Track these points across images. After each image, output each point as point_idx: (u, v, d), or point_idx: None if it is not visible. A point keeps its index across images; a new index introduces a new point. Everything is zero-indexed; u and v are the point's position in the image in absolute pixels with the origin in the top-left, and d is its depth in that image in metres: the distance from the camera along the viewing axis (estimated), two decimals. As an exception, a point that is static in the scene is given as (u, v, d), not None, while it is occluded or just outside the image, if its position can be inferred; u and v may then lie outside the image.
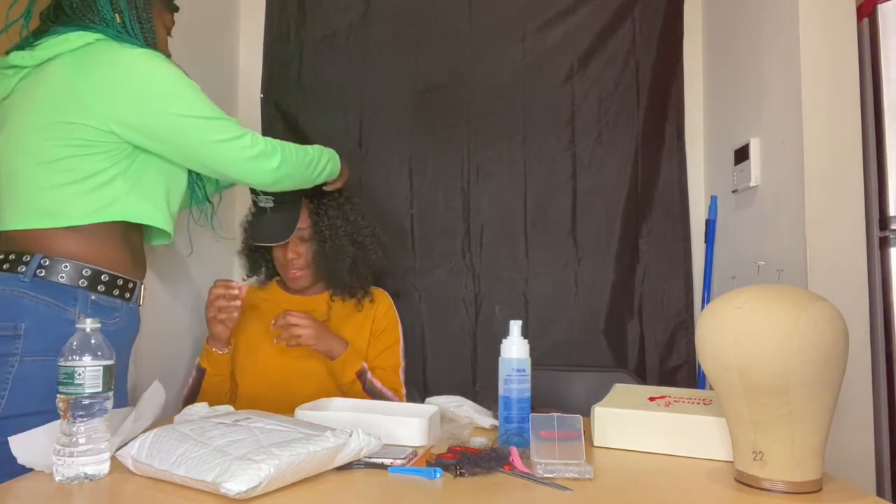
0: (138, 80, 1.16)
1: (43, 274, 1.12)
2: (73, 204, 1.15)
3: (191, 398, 1.60)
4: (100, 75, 1.15)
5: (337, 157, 1.56)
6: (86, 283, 1.15)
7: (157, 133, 1.19)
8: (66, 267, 1.14)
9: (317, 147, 1.48)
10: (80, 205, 1.16)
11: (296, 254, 1.67)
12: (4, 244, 1.18)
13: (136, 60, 1.17)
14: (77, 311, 1.13)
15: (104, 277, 1.18)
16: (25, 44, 1.21)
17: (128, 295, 1.23)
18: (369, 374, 1.62)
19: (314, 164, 1.44)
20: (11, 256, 1.14)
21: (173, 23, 1.39)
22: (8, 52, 1.22)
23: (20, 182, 1.16)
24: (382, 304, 1.77)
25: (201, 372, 1.59)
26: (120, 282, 1.21)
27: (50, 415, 0.97)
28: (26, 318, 1.10)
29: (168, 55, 1.35)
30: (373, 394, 1.61)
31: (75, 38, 1.17)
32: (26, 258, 1.13)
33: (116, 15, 1.21)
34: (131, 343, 1.30)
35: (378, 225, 1.79)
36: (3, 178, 1.19)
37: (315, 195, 1.66)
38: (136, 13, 1.24)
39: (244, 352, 1.66)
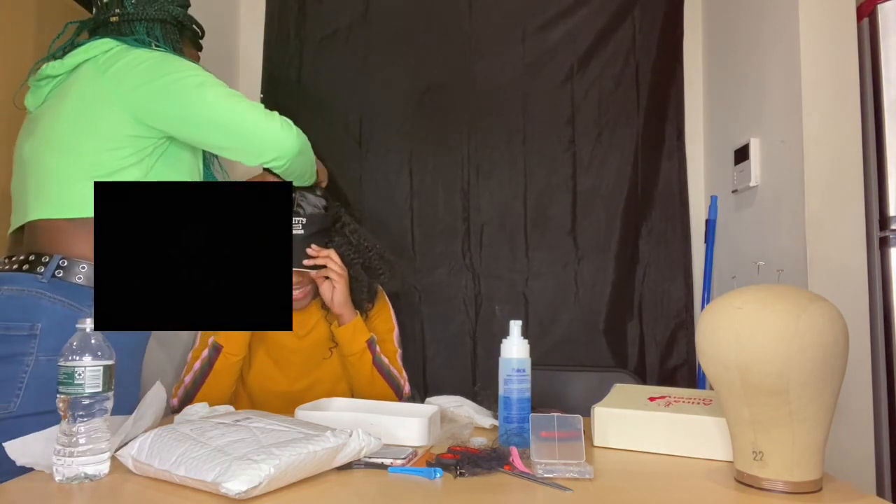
0: (155, 67, 1.20)
1: (61, 275, 1.14)
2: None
3: (196, 385, 1.47)
4: (121, 70, 1.19)
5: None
6: None
7: (170, 108, 1.19)
8: (83, 268, 1.16)
9: None
10: None
11: (298, 280, 1.55)
12: (28, 244, 1.20)
13: (153, 55, 1.22)
14: (93, 311, 1.13)
15: None
16: (58, 53, 1.27)
17: None
18: (378, 347, 1.58)
19: (311, 155, 1.44)
20: (31, 257, 1.16)
21: (198, 59, 1.44)
22: (39, 63, 1.28)
23: (48, 176, 1.19)
24: (375, 301, 1.71)
25: (216, 350, 1.47)
26: None
27: None
28: (43, 319, 1.12)
29: None
30: (381, 369, 1.56)
31: (99, 45, 1.23)
32: (45, 259, 1.15)
33: (152, 41, 1.27)
34: (145, 346, 1.30)
35: (380, 243, 1.69)
36: (31, 177, 1.22)
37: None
38: (168, 45, 1.30)
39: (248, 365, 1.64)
